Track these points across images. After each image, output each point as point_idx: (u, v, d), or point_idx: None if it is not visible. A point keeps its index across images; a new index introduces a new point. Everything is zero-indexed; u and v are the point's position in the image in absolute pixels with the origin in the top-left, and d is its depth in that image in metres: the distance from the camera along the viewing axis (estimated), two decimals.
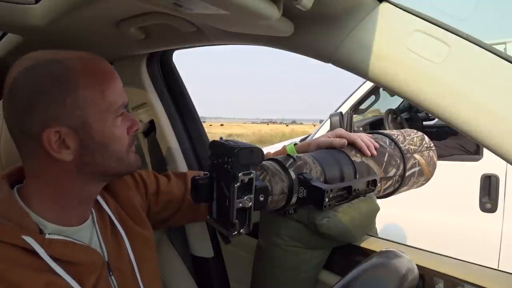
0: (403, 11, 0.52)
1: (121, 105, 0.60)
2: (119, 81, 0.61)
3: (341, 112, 2.49)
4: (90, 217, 0.65)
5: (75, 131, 0.55)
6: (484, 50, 0.47)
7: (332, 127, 2.41)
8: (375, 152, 0.74)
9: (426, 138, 0.89)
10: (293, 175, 0.63)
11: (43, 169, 0.57)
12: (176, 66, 1.11)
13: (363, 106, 2.61)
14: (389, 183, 0.78)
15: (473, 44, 0.48)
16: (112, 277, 0.62)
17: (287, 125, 70.59)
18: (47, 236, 0.54)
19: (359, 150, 0.74)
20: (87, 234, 0.63)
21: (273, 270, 0.76)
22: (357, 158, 0.73)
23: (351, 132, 0.79)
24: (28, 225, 0.54)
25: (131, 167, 0.64)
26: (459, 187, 2.01)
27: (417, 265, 0.51)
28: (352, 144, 0.75)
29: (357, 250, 0.77)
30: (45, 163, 0.56)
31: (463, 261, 0.67)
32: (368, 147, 0.74)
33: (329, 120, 2.49)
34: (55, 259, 0.54)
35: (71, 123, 0.55)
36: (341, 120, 2.43)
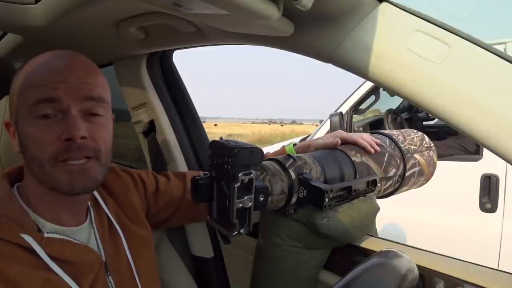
0: (403, 11, 0.52)
1: (39, 101, 0.53)
2: (65, 75, 0.54)
3: (341, 112, 2.49)
4: (88, 217, 0.65)
5: (16, 125, 0.57)
6: (484, 50, 0.47)
7: (332, 127, 2.41)
8: (378, 149, 0.75)
9: (426, 138, 0.89)
10: (293, 175, 0.63)
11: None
12: (176, 66, 1.11)
13: (363, 106, 2.61)
14: (389, 183, 0.78)
15: (473, 44, 0.48)
16: (110, 277, 0.62)
17: (282, 125, 70.22)
18: (45, 235, 0.55)
19: (362, 149, 0.74)
20: (85, 233, 0.63)
21: (273, 270, 0.76)
22: (357, 158, 0.73)
23: (351, 132, 0.79)
24: (27, 224, 0.55)
25: (56, 185, 0.54)
26: (459, 187, 2.00)
27: (417, 265, 0.51)
28: (355, 144, 0.75)
29: (357, 250, 0.76)
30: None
31: (463, 261, 0.67)
32: (370, 145, 0.74)
33: (329, 120, 2.49)
34: (53, 258, 0.54)
35: (12, 118, 0.57)
36: (341, 120, 2.42)
